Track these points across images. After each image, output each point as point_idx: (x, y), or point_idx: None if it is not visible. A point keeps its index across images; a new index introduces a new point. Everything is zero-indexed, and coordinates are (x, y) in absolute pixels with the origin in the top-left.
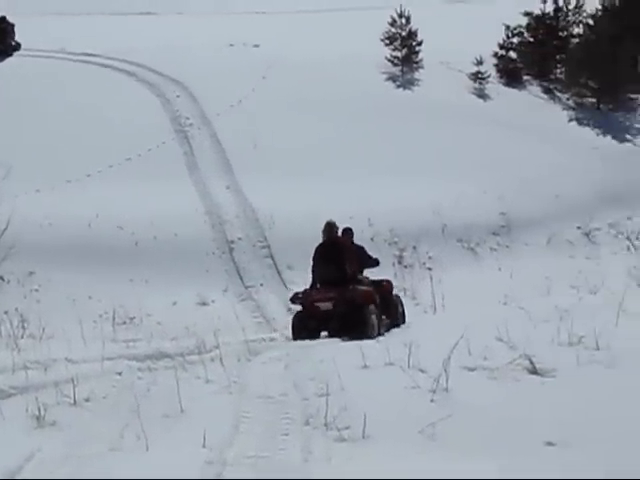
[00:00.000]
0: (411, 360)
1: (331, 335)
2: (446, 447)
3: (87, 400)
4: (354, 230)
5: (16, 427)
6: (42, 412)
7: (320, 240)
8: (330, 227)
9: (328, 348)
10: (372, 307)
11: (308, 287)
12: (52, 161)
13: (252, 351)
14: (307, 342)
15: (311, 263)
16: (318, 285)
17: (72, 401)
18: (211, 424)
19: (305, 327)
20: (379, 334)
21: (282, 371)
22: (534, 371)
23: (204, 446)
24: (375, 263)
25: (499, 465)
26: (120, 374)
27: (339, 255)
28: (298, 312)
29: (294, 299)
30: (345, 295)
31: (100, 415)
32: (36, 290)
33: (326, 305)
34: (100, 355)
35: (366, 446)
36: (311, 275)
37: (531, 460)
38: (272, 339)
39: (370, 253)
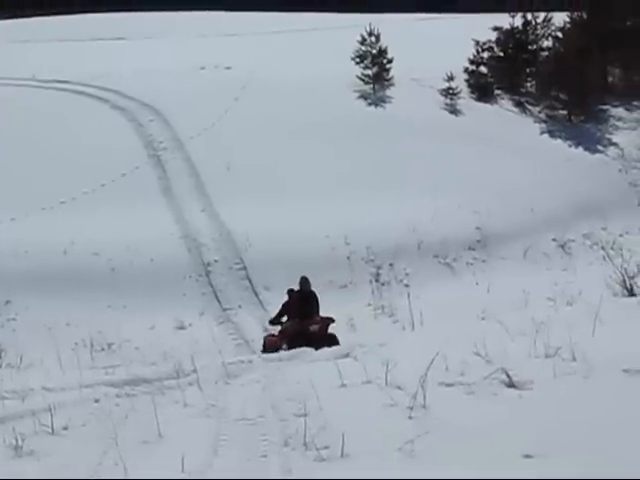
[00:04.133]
0: (388, 378)
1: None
2: (425, 463)
3: (65, 428)
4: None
5: None
6: (20, 442)
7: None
8: (306, 280)
9: (306, 368)
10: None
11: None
12: (26, 189)
13: (230, 374)
14: (284, 362)
15: (284, 303)
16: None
17: (50, 430)
18: (190, 448)
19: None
20: None
21: (260, 393)
22: (511, 384)
23: (183, 470)
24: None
25: (478, 478)
26: (98, 401)
27: (314, 303)
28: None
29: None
30: (325, 322)
31: (78, 443)
32: (13, 319)
33: (314, 327)
34: (78, 383)
35: (345, 465)
36: (281, 310)
37: (510, 473)
38: (250, 361)
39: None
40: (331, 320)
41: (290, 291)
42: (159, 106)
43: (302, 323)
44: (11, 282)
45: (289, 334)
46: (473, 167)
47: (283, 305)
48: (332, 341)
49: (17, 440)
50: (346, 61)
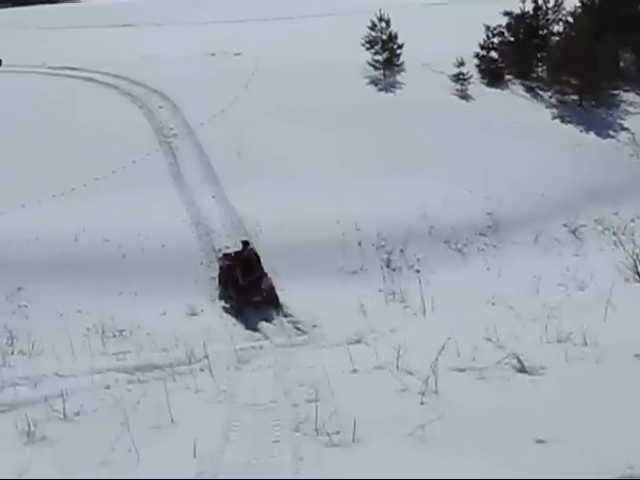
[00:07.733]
0: (400, 363)
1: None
2: (436, 448)
3: (77, 414)
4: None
5: (6, 444)
6: (32, 428)
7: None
8: (249, 244)
9: (317, 354)
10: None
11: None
12: (37, 176)
13: (241, 359)
14: (296, 348)
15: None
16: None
17: (62, 416)
18: (201, 434)
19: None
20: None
21: (271, 378)
22: (523, 369)
23: (195, 456)
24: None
25: (490, 463)
26: (109, 387)
27: (259, 264)
28: (235, 301)
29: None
30: (269, 292)
31: (90, 429)
32: (25, 306)
33: (257, 298)
34: (90, 369)
35: (357, 450)
36: (233, 276)
37: (521, 457)
38: (261, 347)
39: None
40: (272, 289)
41: (228, 256)
42: (169, 92)
43: (248, 294)
44: (23, 269)
45: (238, 302)
46: (484, 152)
47: (224, 271)
48: (275, 302)
49: (29, 426)
50: (356, 47)
